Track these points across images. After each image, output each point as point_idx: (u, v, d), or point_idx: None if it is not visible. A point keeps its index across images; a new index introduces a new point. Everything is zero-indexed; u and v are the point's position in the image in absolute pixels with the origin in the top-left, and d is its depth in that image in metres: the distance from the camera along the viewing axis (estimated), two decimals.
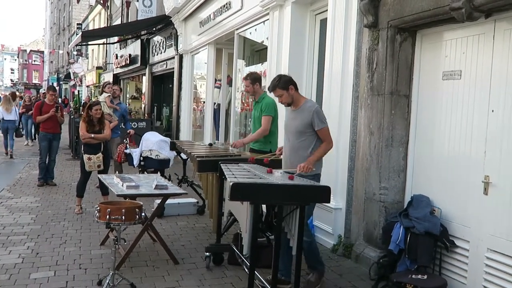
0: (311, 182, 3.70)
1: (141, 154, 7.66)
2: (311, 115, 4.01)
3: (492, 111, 3.78)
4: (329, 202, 3.71)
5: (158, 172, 7.08)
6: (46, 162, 8.70)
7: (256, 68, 8.42)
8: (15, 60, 75.85)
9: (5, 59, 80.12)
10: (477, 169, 3.90)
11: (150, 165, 7.61)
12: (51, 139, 8.63)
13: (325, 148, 4.09)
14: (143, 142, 7.74)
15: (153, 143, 7.52)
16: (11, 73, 78.70)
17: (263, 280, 3.87)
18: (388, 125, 4.64)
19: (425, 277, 3.94)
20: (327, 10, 5.71)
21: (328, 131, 4.12)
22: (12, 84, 72.29)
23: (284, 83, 4.11)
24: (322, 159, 4.21)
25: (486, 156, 3.83)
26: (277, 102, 5.58)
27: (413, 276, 3.95)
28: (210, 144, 6.18)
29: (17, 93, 19.60)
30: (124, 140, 8.80)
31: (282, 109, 5.82)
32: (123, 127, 9.17)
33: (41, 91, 15.36)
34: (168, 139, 7.59)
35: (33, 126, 15.89)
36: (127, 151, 8.26)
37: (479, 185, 3.86)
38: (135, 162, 7.86)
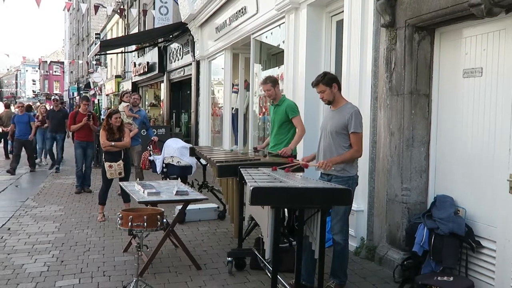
0: (332, 185, 3.67)
1: (163, 161, 7.72)
2: (349, 116, 3.97)
3: None
4: (351, 204, 3.68)
5: (179, 179, 7.12)
6: (82, 170, 9.00)
7: (273, 71, 8.41)
8: (37, 71, 77.37)
9: (26, 70, 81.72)
10: (501, 168, 3.81)
11: (172, 172, 7.66)
12: (85, 147, 8.93)
13: (352, 154, 4.01)
14: (165, 149, 7.80)
15: (174, 149, 7.57)
16: (33, 84, 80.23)
17: (286, 285, 3.84)
18: (408, 125, 4.58)
19: (451, 278, 3.87)
20: (343, 11, 5.68)
21: (360, 138, 4.04)
22: (34, 95, 73.74)
23: (329, 80, 4.08)
24: (357, 162, 4.16)
25: (510, 154, 3.74)
26: (300, 104, 5.60)
27: (439, 278, 3.88)
28: (231, 150, 6.18)
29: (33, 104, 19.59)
30: (148, 147, 8.89)
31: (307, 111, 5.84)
32: (145, 133, 9.25)
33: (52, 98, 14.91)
34: (188, 145, 7.63)
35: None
36: (151, 158, 8.34)
37: (504, 184, 3.78)
38: (158, 169, 7.92)
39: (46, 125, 12.08)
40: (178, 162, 7.54)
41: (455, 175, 4.35)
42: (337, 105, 4.14)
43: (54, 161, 12.34)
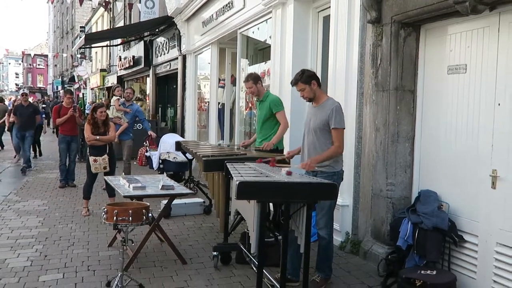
0: (318, 180, 3.69)
1: (159, 157, 7.60)
2: (330, 112, 3.98)
3: (499, 104, 3.75)
4: (336, 199, 3.70)
5: (165, 173, 7.08)
6: (66, 164, 8.91)
7: (260, 67, 8.41)
8: (20, 64, 76.19)
9: (9, 63, 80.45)
10: (484, 163, 3.87)
11: (169, 168, 7.53)
12: (69, 141, 8.86)
13: (334, 150, 4.01)
14: (161, 144, 7.67)
15: (171, 145, 7.44)
16: (16, 77, 79.03)
17: (272, 279, 3.86)
18: (393, 120, 4.62)
19: (434, 272, 3.92)
20: (329, 7, 5.69)
21: (341, 134, 4.03)
22: (17, 89, 72.65)
23: (307, 78, 4.09)
24: (342, 157, 4.17)
25: (493, 150, 3.80)
26: (285, 99, 5.61)
27: (422, 271, 3.92)
28: (219, 144, 6.17)
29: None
30: (144, 143, 8.77)
31: (290, 105, 5.86)
32: (140, 128, 9.09)
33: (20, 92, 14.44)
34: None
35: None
36: (147, 154, 8.22)
37: (487, 179, 3.83)
38: (155, 165, 7.79)
39: (12, 119, 11.57)
40: (174, 158, 7.44)
41: (439, 171, 4.41)
42: (318, 101, 4.15)
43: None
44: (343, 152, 4.12)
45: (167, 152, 7.50)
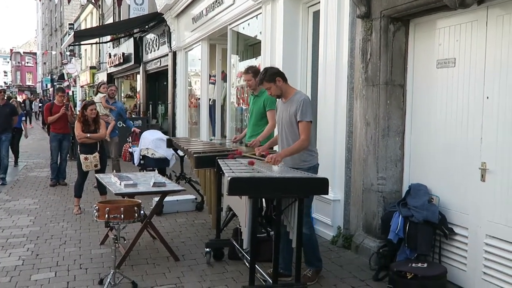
0: (309, 175, 3.71)
1: (140, 153, 7.65)
2: (297, 105, 3.96)
3: (487, 97, 3.78)
4: (327, 194, 3.71)
5: (156, 170, 7.07)
6: (58, 163, 8.85)
7: (250, 62, 8.40)
8: (8, 62, 75.40)
9: None
10: (473, 156, 3.91)
11: (149, 163, 7.61)
12: (61, 140, 8.79)
13: (300, 144, 3.94)
14: (141, 140, 7.74)
15: (150, 141, 7.51)
16: (4, 75, 78.28)
17: (264, 274, 3.88)
18: (384, 115, 4.64)
19: (425, 265, 3.96)
20: (319, 2, 5.70)
21: (308, 127, 3.96)
22: (5, 87, 71.95)
23: (271, 76, 4.08)
24: (317, 151, 4.19)
25: (482, 143, 3.84)
26: None
27: (413, 264, 3.96)
28: (211, 139, 6.17)
29: None
30: (127, 139, 8.80)
31: None
32: (124, 125, 9.15)
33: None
34: (165, 137, 7.56)
35: None
36: (130, 150, 8.25)
37: (476, 172, 3.87)
38: (136, 161, 7.85)
39: None
40: (152, 154, 7.48)
41: (429, 164, 4.44)
42: (287, 96, 4.14)
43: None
44: (328, 146, 4.12)
45: (147, 148, 7.55)
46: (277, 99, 4.33)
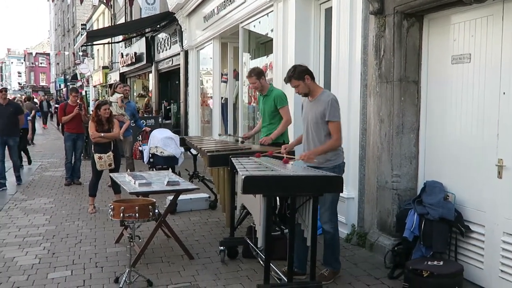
0: (323, 173, 3.69)
1: (149, 151, 7.71)
2: (326, 105, 3.96)
3: (504, 93, 3.73)
4: (341, 192, 3.70)
5: (170, 169, 7.11)
6: (72, 162, 8.92)
7: (262, 60, 8.40)
8: (22, 63, 76.28)
9: (11, 62, 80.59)
10: (490, 153, 3.86)
11: (158, 162, 7.65)
12: (75, 139, 8.86)
13: (332, 143, 3.99)
14: (151, 139, 7.80)
15: (158, 140, 7.55)
16: (19, 76, 79.17)
17: (279, 272, 3.87)
18: (398, 112, 4.61)
19: (441, 263, 3.92)
20: None
21: (338, 127, 4.02)
22: (20, 88, 72.81)
23: (300, 73, 4.05)
24: (342, 150, 4.17)
25: (499, 139, 3.79)
26: (289, 93, 5.61)
27: (429, 262, 3.93)
28: (219, 135, 6.19)
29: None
30: (138, 138, 8.90)
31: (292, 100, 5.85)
32: (133, 125, 9.25)
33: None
34: (174, 136, 7.61)
35: None
36: (141, 148, 8.34)
37: (492, 169, 3.82)
38: (145, 159, 7.93)
39: None
40: (161, 152, 7.53)
41: (444, 161, 4.40)
42: (314, 95, 4.12)
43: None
44: (342, 144, 4.11)
45: (156, 147, 7.61)
46: (303, 97, 4.28)
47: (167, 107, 16.98)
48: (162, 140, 7.54)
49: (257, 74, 5.52)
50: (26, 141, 11.40)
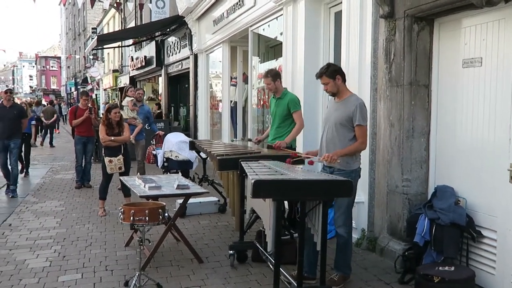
0: (333, 177, 3.68)
1: (163, 155, 7.73)
2: (354, 109, 3.94)
3: None
4: (351, 196, 3.68)
5: (179, 172, 7.13)
6: (82, 165, 8.98)
7: (271, 64, 8.40)
8: (33, 67, 77.06)
9: (23, 66, 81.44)
10: (502, 157, 3.82)
11: (172, 166, 7.68)
12: (85, 143, 8.91)
13: (357, 146, 3.99)
14: (165, 143, 7.82)
15: (173, 144, 7.58)
16: (30, 79, 79.96)
17: (288, 276, 3.86)
18: (408, 116, 4.58)
19: (452, 268, 3.88)
20: (341, 2, 5.66)
21: (365, 131, 4.03)
22: (31, 91, 73.53)
23: (332, 72, 4.05)
24: (360, 155, 4.15)
25: (511, 144, 3.75)
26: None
27: (440, 268, 3.90)
28: (232, 140, 6.21)
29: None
30: (151, 142, 8.92)
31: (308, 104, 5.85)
32: (148, 128, 9.28)
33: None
34: (189, 140, 7.62)
35: None
36: (154, 152, 8.36)
37: (504, 174, 3.78)
38: (159, 163, 7.94)
39: None
40: (176, 156, 7.55)
41: (455, 165, 4.36)
42: (341, 96, 4.11)
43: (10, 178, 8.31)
44: (364, 149, 4.11)
45: (170, 151, 7.63)
46: (331, 97, 4.27)
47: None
48: (176, 144, 7.56)
49: (274, 75, 5.53)
50: (29, 146, 10.65)
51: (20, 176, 9.46)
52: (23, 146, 9.50)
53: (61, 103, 35.86)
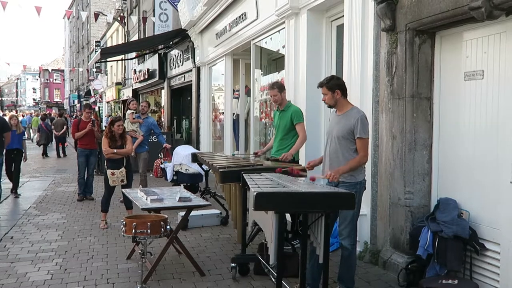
0: (335, 189, 3.67)
1: (173, 169, 7.66)
2: (355, 122, 3.96)
3: None
4: (354, 209, 3.66)
5: (181, 185, 7.12)
6: (85, 178, 8.97)
7: (273, 77, 8.44)
8: (37, 79, 77.45)
9: (27, 79, 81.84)
10: (504, 170, 3.81)
11: (182, 179, 7.59)
12: (88, 155, 8.92)
13: (359, 161, 3.98)
14: (174, 156, 7.74)
15: (183, 157, 7.50)
16: (33, 92, 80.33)
17: None
18: (410, 128, 4.58)
19: (456, 281, 3.85)
20: (343, 16, 5.70)
21: (367, 144, 4.02)
22: (34, 103, 73.87)
23: (332, 85, 4.08)
24: (365, 167, 4.14)
25: None
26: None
27: (444, 281, 3.87)
28: (233, 155, 6.20)
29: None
30: (159, 155, 8.86)
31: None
32: (155, 140, 9.22)
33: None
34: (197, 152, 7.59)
35: None
36: (162, 166, 8.28)
37: (507, 186, 3.77)
38: (169, 177, 7.84)
39: None
40: (186, 169, 7.48)
41: (458, 178, 4.35)
42: (342, 109, 4.13)
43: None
44: (366, 162, 4.08)
45: (180, 164, 7.55)
46: (332, 110, 4.30)
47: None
48: (186, 157, 7.47)
49: (280, 87, 5.61)
50: (19, 165, 9.51)
51: (12, 196, 9.23)
52: (13, 164, 9.23)
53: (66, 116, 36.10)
